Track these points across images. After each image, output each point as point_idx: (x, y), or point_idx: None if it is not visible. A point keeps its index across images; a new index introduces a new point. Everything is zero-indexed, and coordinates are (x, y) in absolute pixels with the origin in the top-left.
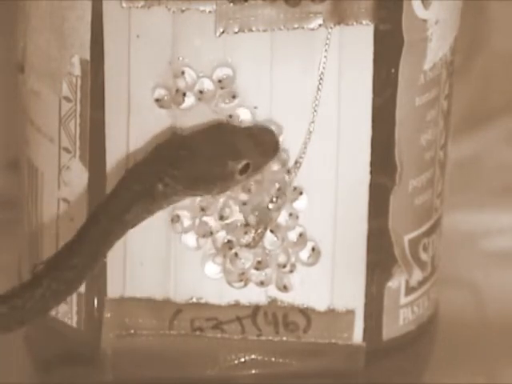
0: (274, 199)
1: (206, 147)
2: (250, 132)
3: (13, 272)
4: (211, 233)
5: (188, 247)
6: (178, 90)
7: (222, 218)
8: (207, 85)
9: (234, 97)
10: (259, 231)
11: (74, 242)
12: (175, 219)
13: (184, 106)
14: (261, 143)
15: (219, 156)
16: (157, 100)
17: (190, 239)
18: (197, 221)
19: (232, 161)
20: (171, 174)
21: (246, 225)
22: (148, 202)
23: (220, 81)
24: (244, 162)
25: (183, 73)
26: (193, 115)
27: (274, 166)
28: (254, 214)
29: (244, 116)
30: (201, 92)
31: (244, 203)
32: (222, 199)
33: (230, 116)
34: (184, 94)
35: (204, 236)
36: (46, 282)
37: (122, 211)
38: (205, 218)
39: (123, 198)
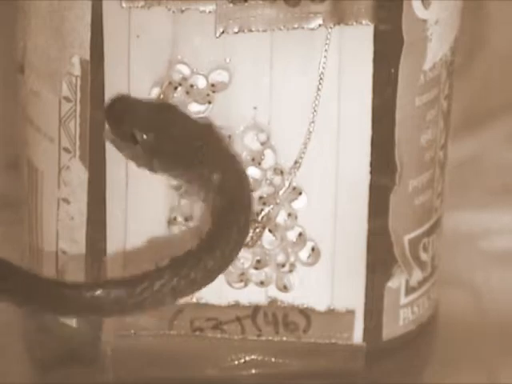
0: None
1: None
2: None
3: None
4: None
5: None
6: (170, 83)
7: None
8: (200, 83)
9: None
10: (257, 230)
11: (204, 244)
12: (172, 222)
13: (174, 100)
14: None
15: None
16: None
17: (186, 238)
18: (192, 224)
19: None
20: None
21: None
22: None
23: (213, 85)
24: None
25: (179, 68)
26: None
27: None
28: None
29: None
30: (191, 86)
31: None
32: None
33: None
34: (175, 88)
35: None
36: (168, 275)
37: None
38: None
39: None
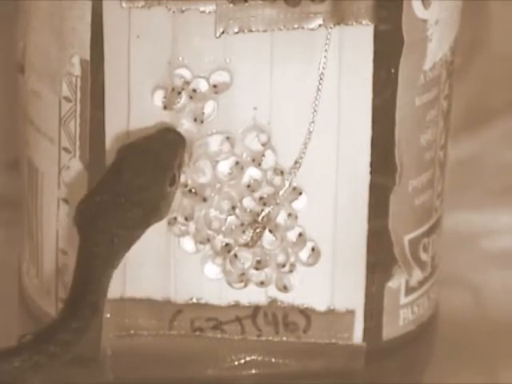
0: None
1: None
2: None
3: (13, 272)
4: (208, 240)
5: (186, 251)
6: (173, 89)
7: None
8: (202, 86)
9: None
10: (257, 230)
11: (62, 317)
12: (172, 222)
13: (179, 105)
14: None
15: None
16: (156, 100)
17: (188, 243)
18: (192, 227)
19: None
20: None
21: (243, 224)
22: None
23: (215, 85)
24: (171, 174)
25: (180, 72)
26: (187, 115)
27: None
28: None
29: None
30: (194, 91)
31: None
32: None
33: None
34: (179, 93)
35: (201, 243)
36: (27, 353)
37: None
38: (200, 226)
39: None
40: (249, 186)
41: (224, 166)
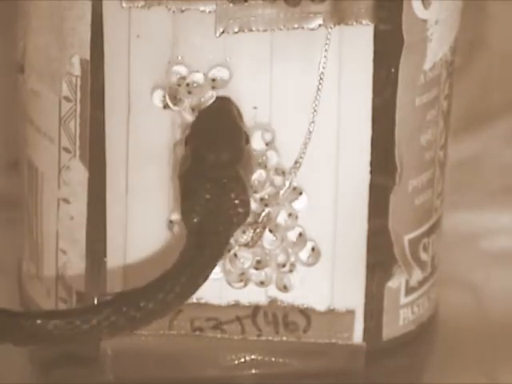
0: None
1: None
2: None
3: (13, 272)
4: None
5: None
6: (172, 86)
7: None
8: (197, 78)
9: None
10: (258, 230)
11: (152, 284)
12: (172, 222)
13: (179, 103)
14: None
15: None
16: (156, 99)
17: None
18: None
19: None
20: None
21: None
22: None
23: (214, 79)
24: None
25: (180, 71)
26: (187, 114)
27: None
28: None
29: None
30: (193, 88)
31: None
32: None
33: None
34: (178, 86)
35: None
36: (106, 312)
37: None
38: None
39: None
40: (251, 187)
41: None
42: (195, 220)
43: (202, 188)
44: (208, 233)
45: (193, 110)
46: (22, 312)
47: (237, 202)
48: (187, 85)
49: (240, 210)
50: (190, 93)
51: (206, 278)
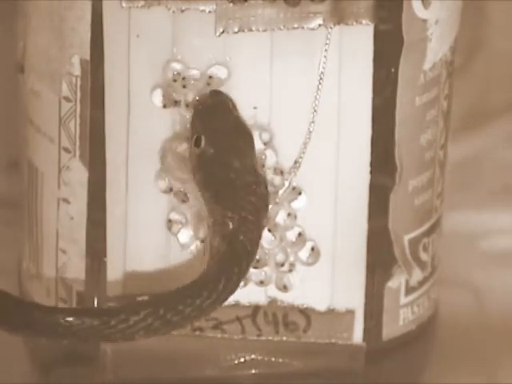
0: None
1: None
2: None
3: (13, 272)
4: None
5: (184, 246)
6: (170, 86)
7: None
8: (194, 74)
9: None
10: None
11: (189, 290)
12: (168, 225)
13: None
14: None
15: None
16: (156, 99)
17: (185, 237)
18: (189, 226)
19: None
20: None
21: None
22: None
23: (211, 77)
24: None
25: (180, 71)
26: (187, 114)
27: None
28: None
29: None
30: (185, 86)
31: None
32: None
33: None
34: (174, 81)
35: (201, 242)
36: (144, 313)
37: None
38: (199, 226)
39: None
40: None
41: None
42: (230, 227)
43: (233, 195)
44: (243, 240)
45: (189, 107)
46: (55, 308)
47: (263, 204)
48: (185, 85)
49: (264, 211)
50: (189, 92)
51: (239, 284)
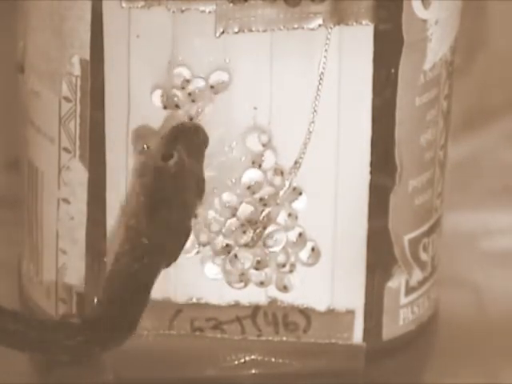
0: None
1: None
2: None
3: (13, 271)
4: (208, 241)
5: (187, 251)
6: (171, 87)
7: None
8: (200, 85)
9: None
10: (258, 231)
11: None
12: None
13: (179, 106)
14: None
15: None
16: (156, 99)
17: (188, 244)
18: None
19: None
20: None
21: (243, 225)
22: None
23: (212, 86)
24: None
25: (180, 72)
26: (186, 114)
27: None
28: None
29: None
30: (190, 93)
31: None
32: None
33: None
34: (177, 90)
35: (202, 243)
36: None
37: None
38: (200, 227)
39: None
40: (249, 187)
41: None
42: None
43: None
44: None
45: (191, 113)
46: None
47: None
48: (185, 86)
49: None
50: (189, 94)
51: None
